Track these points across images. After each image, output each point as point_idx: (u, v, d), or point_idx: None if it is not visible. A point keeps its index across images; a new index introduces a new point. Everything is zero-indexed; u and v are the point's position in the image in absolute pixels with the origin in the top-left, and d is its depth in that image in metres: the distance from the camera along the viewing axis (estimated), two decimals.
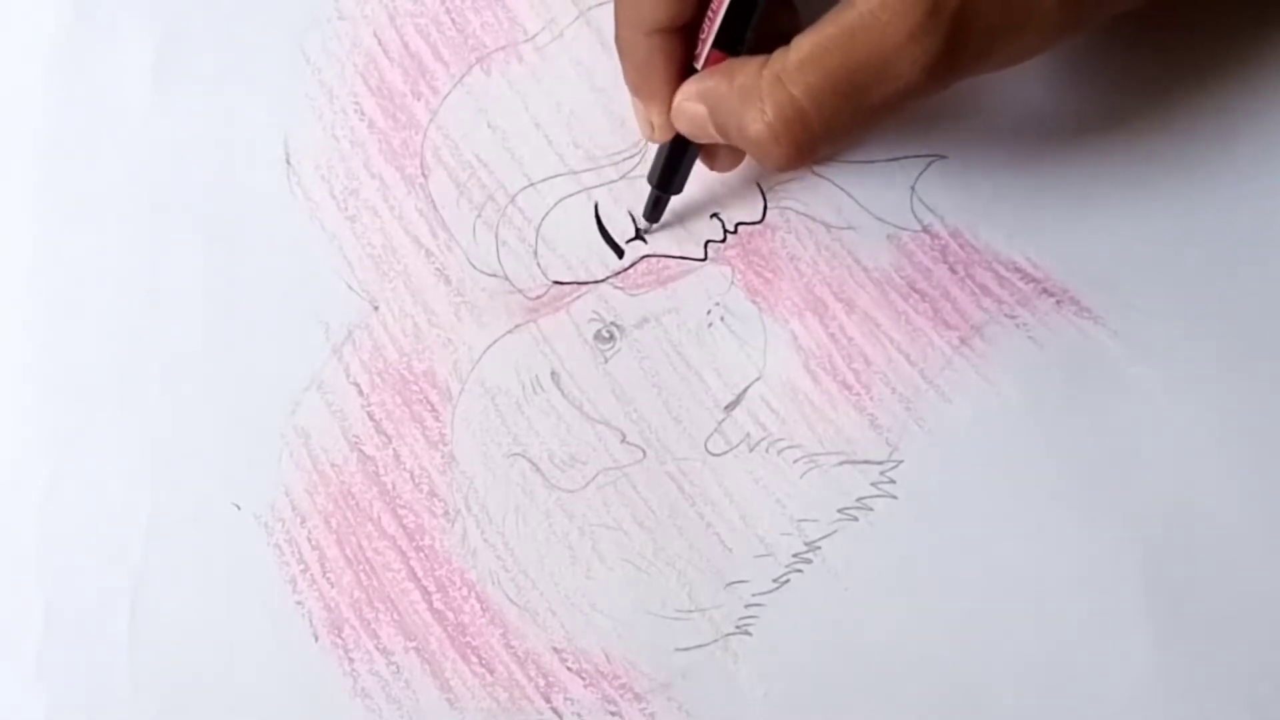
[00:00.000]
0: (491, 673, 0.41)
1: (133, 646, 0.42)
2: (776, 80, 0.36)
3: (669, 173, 0.42)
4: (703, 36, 0.39)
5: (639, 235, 0.45)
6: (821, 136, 0.36)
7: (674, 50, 0.39)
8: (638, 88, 0.40)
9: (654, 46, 0.39)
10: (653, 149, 0.44)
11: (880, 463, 0.42)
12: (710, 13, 0.38)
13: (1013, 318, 0.43)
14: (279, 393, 0.44)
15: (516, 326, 0.44)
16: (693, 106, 0.38)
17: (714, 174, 0.44)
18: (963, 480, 0.42)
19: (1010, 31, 0.36)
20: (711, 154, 0.42)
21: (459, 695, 0.41)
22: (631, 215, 0.45)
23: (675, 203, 0.44)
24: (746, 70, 0.37)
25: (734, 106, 0.37)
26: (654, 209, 0.44)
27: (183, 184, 0.46)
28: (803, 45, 0.35)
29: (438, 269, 0.45)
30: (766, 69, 0.36)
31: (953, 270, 0.44)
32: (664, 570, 0.42)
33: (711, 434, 0.43)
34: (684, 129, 0.40)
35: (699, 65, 0.39)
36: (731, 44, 0.38)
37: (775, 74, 0.36)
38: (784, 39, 0.36)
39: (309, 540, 0.43)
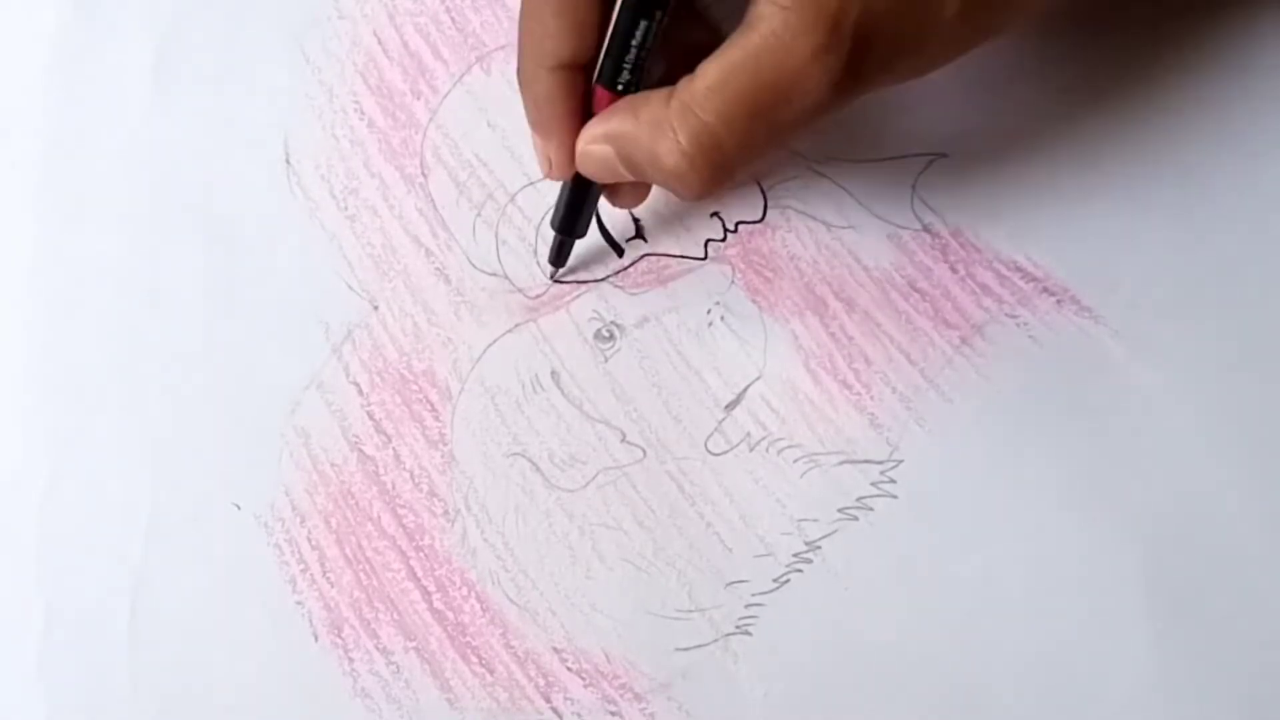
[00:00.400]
0: (491, 673, 0.41)
1: (133, 646, 0.42)
2: (686, 108, 0.35)
3: (571, 216, 0.42)
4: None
5: (639, 234, 0.45)
6: (736, 159, 0.36)
7: (574, 87, 0.38)
8: (537, 123, 0.40)
9: (555, 82, 0.38)
10: None
11: (880, 462, 0.42)
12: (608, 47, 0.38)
13: (1013, 317, 0.43)
14: (279, 392, 0.44)
15: (516, 326, 0.44)
16: (599, 148, 0.38)
17: None
18: (963, 480, 0.42)
19: (911, 44, 0.36)
20: (615, 190, 0.42)
21: (459, 695, 0.41)
22: (631, 214, 0.45)
23: (675, 201, 0.44)
24: (651, 104, 0.36)
25: (644, 141, 0.36)
26: (558, 254, 0.43)
27: (183, 184, 0.46)
28: (708, 72, 0.35)
29: (437, 268, 0.45)
30: (674, 99, 0.36)
31: (953, 269, 0.44)
32: (664, 570, 0.42)
33: (712, 433, 0.43)
34: (590, 172, 0.39)
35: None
36: (627, 80, 0.37)
37: (684, 103, 0.35)
38: (701, 54, 0.36)
39: (309, 540, 0.43)
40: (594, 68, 0.38)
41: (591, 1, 0.37)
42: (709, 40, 0.39)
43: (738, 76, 0.35)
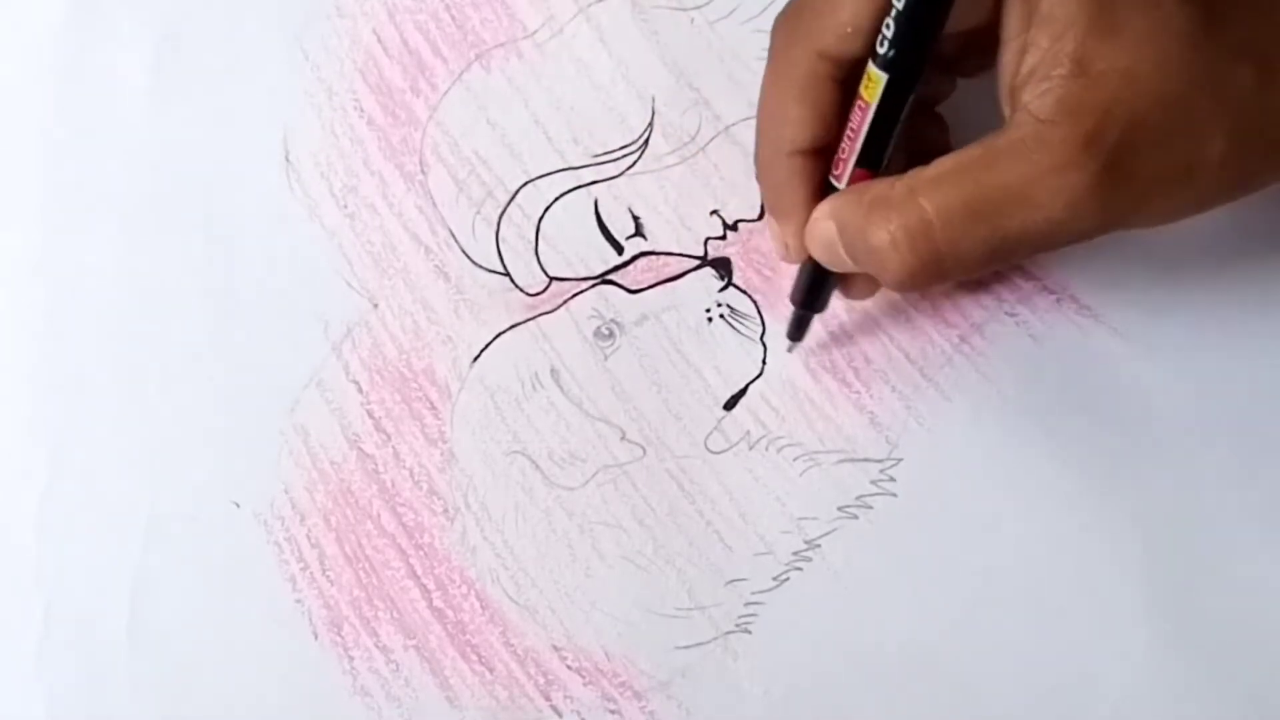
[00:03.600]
0: (491, 671, 0.41)
1: (133, 645, 0.42)
2: (909, 193, 0.34)
3: (812, 293, 0.41)
4: (842, 156, 0.37)
5: (639, 232, 0.45)
6: (948, 256, 0.34)
7: (812, 172, 0.38)
8: (774, 208, 0.39)
9: (793, 168, 0.38)
10: (650, 142, 0.43)
11: (880, 461, 0.42)
12: (850, 131, 0.37)
13: (1012, 315, 0.43)
14: (278, 390, 0.44)
15: (516, 324, 0.44)
16: (824, 226, 0.37)
17: (712, 170, 0.44)
18: (962, 478, 0.42)
19: (1170, 185, 0.34)
20: (847, 281, 0.41)
21: (458, 693, 0.41)
22: (631, 212, 0.45)
23: (676, 201, 0.44)
24: (880, 185, 0.35)
25: (861, 219, 0.35)
26: (797, 328, 0.43)
27: (183, 183, 0.46)
28: (944, 162, 0.34)
29: (437, 266, 0.45)
30: (900, 182, 0.35)
31: None
32: (664, 568, 0.42)
33: (711, 432, 0.43)
34: (817, 252, 0.38)
35: (840, 185, 0.37)
36: (872, 162, 0.36)
37: (909, 187, 0.34)
38: (922, 140, 0.36)
39: (308, 538, 0.43)
40: (833, 150, 0.37)
41: (833, 88, 0.36)
42: (943, 146, 0.38)
43: (969, 172, 0.34)
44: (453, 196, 0.46)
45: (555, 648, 0.42)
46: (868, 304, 0.43)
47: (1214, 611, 0.40)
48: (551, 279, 0.45)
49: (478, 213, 0.45)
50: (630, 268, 0.45)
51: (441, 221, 0.45)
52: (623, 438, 0.43)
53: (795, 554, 0.42)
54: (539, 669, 0.41)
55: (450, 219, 0.45)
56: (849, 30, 0.35)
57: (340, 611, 0.42)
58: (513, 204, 0.45)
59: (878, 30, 0.35)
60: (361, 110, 0.47)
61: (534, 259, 0.45)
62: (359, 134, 0.46)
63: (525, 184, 0.46)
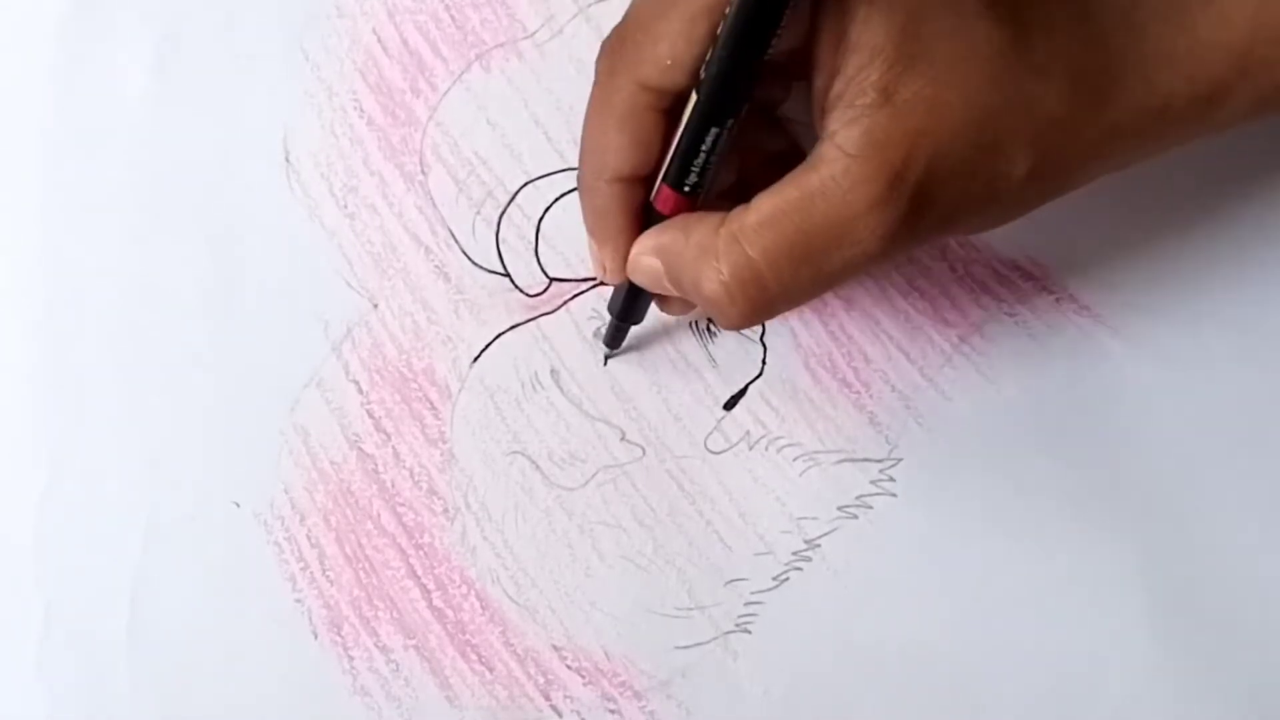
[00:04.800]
0: (491, 670, 0.41)
1: (132, 645, 0.42)
2: (734, 240, 0.35)
3: (629, 306, 0.41)
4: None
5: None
6: (778, 297, 0.35)
7: (633, 199, 0.38)
8: (594, 230, 0.39)
9: (613, 194, 0.38)
10: None
11: (880, 460, 0.42)
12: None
13: (1012, 315, 0.43)
14: (278, 390, 0.44)
15: (516, 324, 0.44)
16: (649, 261, 0.37)
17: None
18: (962, 478, 0.42)
19: (973, 205, 0.35)
20: (665, 299, 0.41)
21: (458, 693, 0.41)
22: None
23: None
24: (703, 227, 0.36)
25: (689, 263, 0.36)
26: (614, 336, 0.43)
27: (183, 183, 0.46)
28: (762, 206, 0.34)
29: (437, 266, 0.45)
30: (724, 227, 0.35)
31: (952, 268, 0.44)
32: (663, 568, 0.42)
33: (711, 432, 0.43)
34: (640, 281, 0.39)
35: (654, 201, 0.38)
36: (678, 182, 0.36)
37: (732, 233, 0.35)
38: (777, 161, 0.36)
39: (308, 538, 0.43)
40: (654, 179, 0.37)
41: (655, 118, 0.36)
42: (785, 147, 0.39)
43: (789, 216, 0.34)
44: (453, 197, 0.46)
45: (555, 648, 0.42)
46: (868, 304, 0.43)
47: (1214, 611, 0.40)
48: (551, 279, 0.45)
49: (478, 213, 0.45)
50: None
51: (441, 222, 0.45)
52: (622, 438, 0.43)
53: (795, 554, 0.42)
54: (539, 669, 0.41)
55: (450, 219, 0.45)
56: (668, 63, 0.35)
57: (340, 611, 0.42)
58: (513, 204, 0.45)
59: (698, 64, 0.34)
60: (361, 110, 0.47)
61: (534, 259, 0.45)
62: (359, 134, 0.46)
63: (525, 184, 0.46)
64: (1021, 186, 0.34)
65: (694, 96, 0.35)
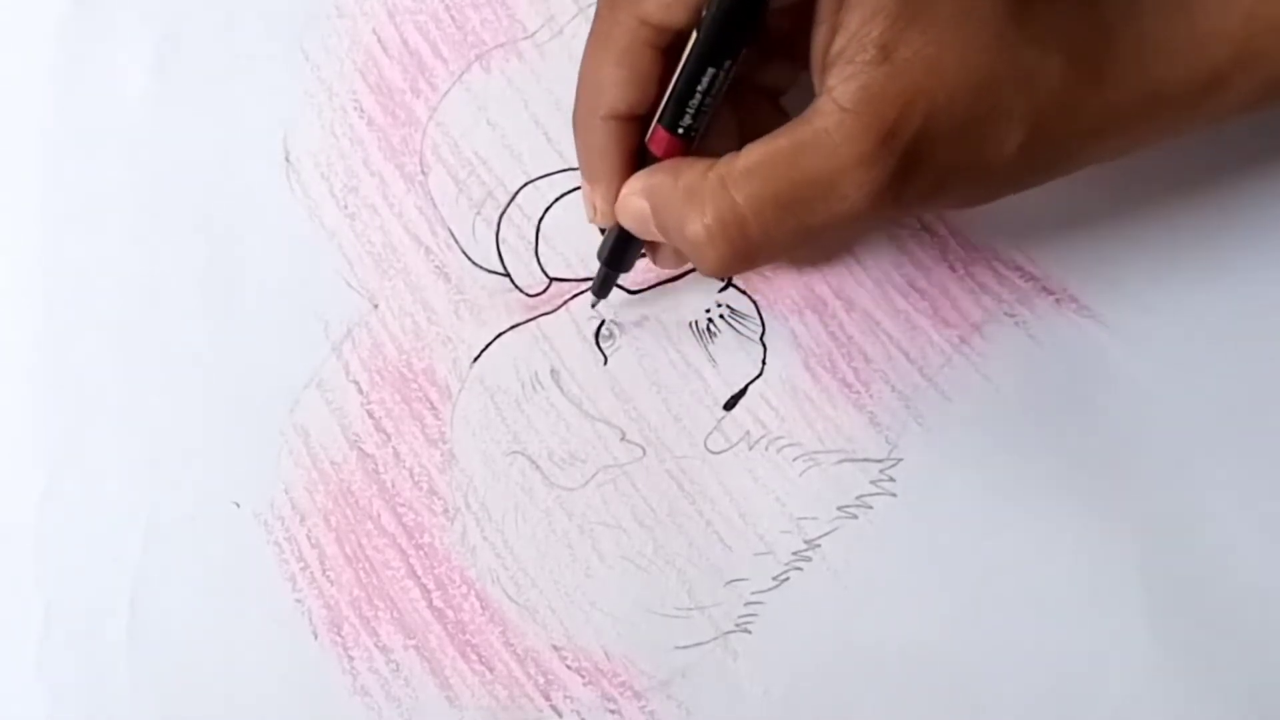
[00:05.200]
0: (491, 670, 0.41)
1: (132, 646, 0.42)
2: (720, 184, 0.35)
3: (618, 252, 0.41)
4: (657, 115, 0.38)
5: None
6: (759, 245, 0.35)
7: (628, 137, 0.38)
8: (587, 169, 0.39)
9: (608, 132, 0.38)
10: None
11: (880, 460, 0.42)
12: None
13: (1012, 316, 0.43)
14: (278, 391, 0.44)
15: (516, 324, 0.44)
16: (636, 201, 0.37)
17: None
18: (962, 478, 0.42)
19: (965, 174, 0.35)
20: (655, 248, 0.41)
21: (458, 693, 0.41)
22: None
23: None
24: (693, 170, 0.36)
25: (676, 204, 0.36)
26: (602, 285, 0.43)
27: (183, 183, 0.46)
28: (751, 153, 0.35)
29: (437, 267, 0.45)
30: (712, 171, 0.35)
31: (952, 268, 0.44)
32: (663, 568, 0.42)
33: (711, 432, 0.43)
34: (627, 223, 0.39)
35: (648, 143, 0.38)
36: (673, 123, 0.36)
37: (720, 177, 0.35)
38: (760, 130, 0.35)
39: (308, 538, 0.43)
40: (650, 119, 0.38)
41: (653, 55, 0.36)
42: (773, 120, 0.39)
43: (777, 165, 0.34)
44: (453, 197, 0.46)
45: (555, 648, 0.42)
46: (868, 304, 0.43)
47: (1214, 611, 0.40)
48: (551, 279, 0.45)
49: (478, 213, 0.45)
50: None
51: (442, 222, 0.45)
52: (623, 438, 0.43)
53: (795, 554, 0.42)
54: (539, 669, 0.41)
55: (450, 219, 0.45)
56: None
57: (340, 611, 0.42)
58: (513, 204, 0.45)
59: (700, 2, 0.34)
60: (362, 110, 0.47)
61: (534, 259, 0.45)
62: (359, 134, 0.46)
63: (525, 184, 0.46)
64: (1013, 160, 0.34)
65: (694, 36, 0.35)
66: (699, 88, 0.35)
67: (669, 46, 0.36)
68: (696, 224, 0.35)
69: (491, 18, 0.47)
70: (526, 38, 0.47)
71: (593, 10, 0.46)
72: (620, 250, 0.41)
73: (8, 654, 0.42)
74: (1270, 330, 0.42)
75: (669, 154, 0.37)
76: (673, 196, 0.36)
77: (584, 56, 0.38)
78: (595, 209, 0.39)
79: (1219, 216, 0.43)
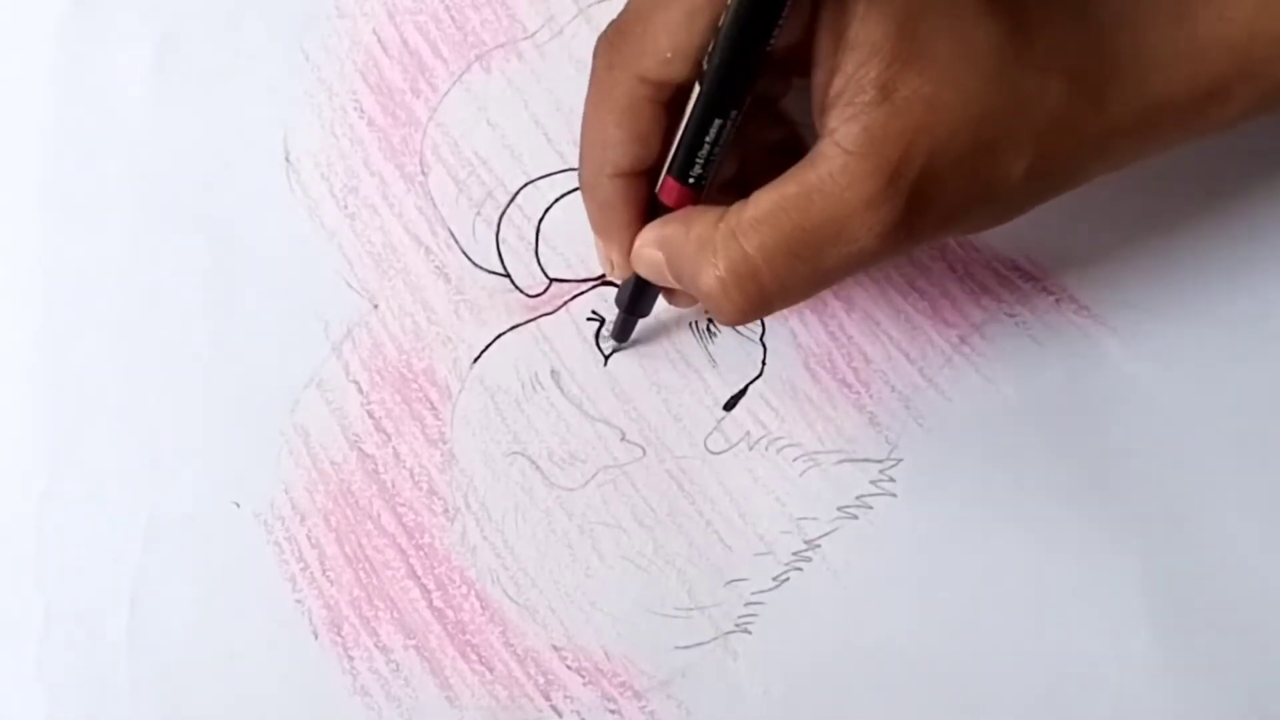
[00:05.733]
0: (491, 671, 0.41)
1: (132, 646, 0.42)
2: (731, 235, 0.35)
3: (636, 299, 0.41)
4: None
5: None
6: (774, 294, 0.35)
7: (637, 193, 0.38)
8: (599, 227, 0.39)
9: (616, 189, 0.38)
10: None
11: (880, 461, 0.42)
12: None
13: (1012, 316, 0.43)
14: (278, 391, 0.44)
15: (516, 325, 0.44)
16: (650, 253, 0.38)
17: None
18: (962, 478, 0.42)
19: (973, 204, 0.35)
20: (671, 291, 0.41)
21: (458, 693, 0.41)
22: None
23: None
24: (704, 221, 0.36)
25: (689, 256, 0.36)
26: (622, 330, 0.43)
27: (183, 183, 0.46)
28: (760, 202, 0.35)
29: (437, 267, 0.45)
30: (723, 222, 0.35)
31: (952, 268, 0.44)
32: (663, 568, 0.42)
33: (711, 432, 0.43)
34: (643, 273, 0.39)
35: (658, 193, 0.38)
36: (683, 174, 0.36)
37: (731, 228, 0.35)
38: (779, 154, 0.36)
39: (308, 538, 0.43)
40: (658, 170, 0.38)
41: (654, 111, 0.36)
42: (786, 138, 0.39)
43: (787, 213, 0.34)
44: (453, 197, 0.46)
45: (555, 648, 0.42)
46: (868, 304, 0.43)
47: (1214, 611, 0.40)
48: (552, 280, 0.45)
49: (478, 213, 0.45)
50: None
51: (442, 222, 0.45)
52: (623, 438, 0.43)
53: (795, 554, 0.42)
54: (539, 669, 0.41)
55: (450, 220, 0.45)
56: (669, 55, 0.35)
57: (340, 611, 0.42)
58: (513, 205, 0.45)
59: (699, 56, 0.34)
60: (362, 111, 0.47)
61: (534, 260, 0.45)
62: (359, 134, 0.46)
63: (525, 185, 0.46)
64: (1020, 185, 0.35)
65: (697, 88, 0.35)
66: (707, 138, 0.35)
67: (670, 100, 0.36)
68: (710, 276, 0.35)
69: (491, 18, 0.47)
70: (526, 38, 0.47)
71: (593, 10, 0.46)
72: (638, 297, 0.41)
73: (8, 654, 0.42)
74: (1269, 330, 0.42)
75: (680, 203, 0.37)
76: (685, 248, 0.36)
77: (585, 116, 0.38)
78: (612, 264, 0.40)
79: (1219, 217, 0.44)
